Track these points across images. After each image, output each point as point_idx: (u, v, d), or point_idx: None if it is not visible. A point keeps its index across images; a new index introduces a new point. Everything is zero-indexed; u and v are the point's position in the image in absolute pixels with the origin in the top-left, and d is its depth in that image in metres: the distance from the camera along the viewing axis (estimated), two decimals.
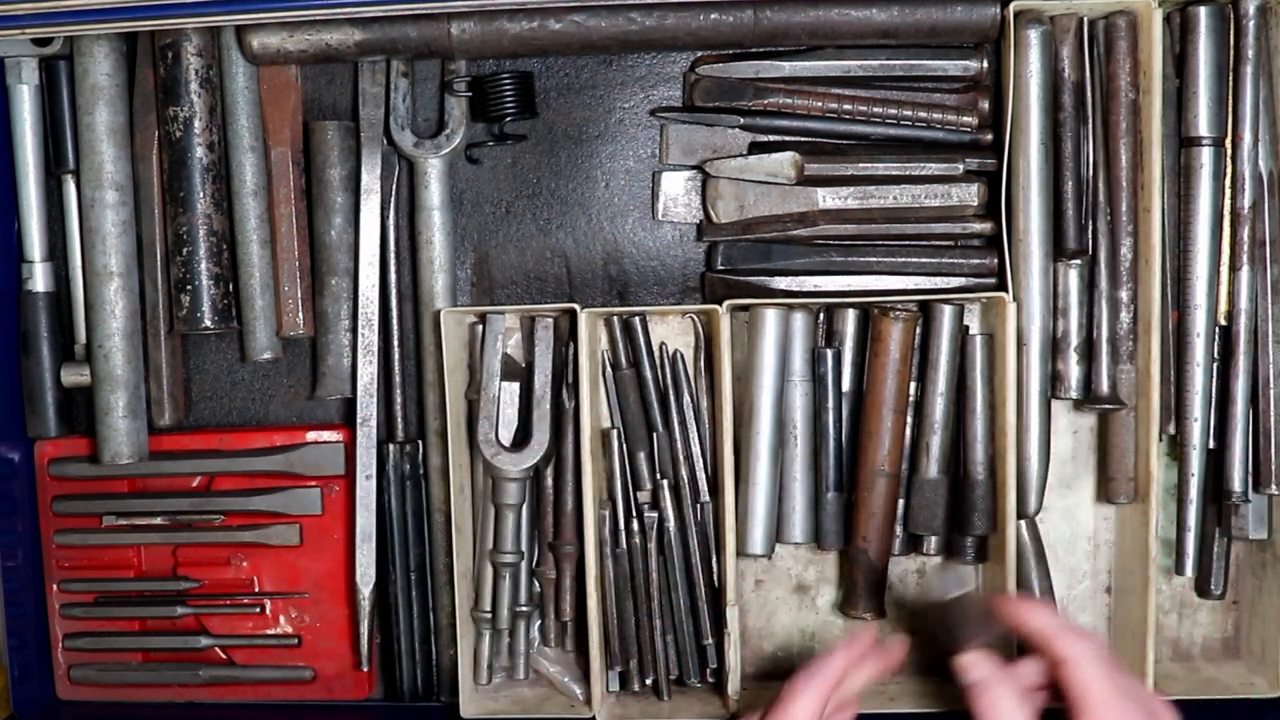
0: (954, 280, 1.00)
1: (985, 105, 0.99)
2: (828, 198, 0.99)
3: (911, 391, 0.99)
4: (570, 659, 1.06)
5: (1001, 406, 0.96)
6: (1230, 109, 0.95)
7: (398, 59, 1.02)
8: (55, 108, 1.03)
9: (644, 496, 1.01)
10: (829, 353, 0.99)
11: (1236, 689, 1.02)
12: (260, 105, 1.02)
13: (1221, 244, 0.96)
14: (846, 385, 1.01)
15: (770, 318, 0.98)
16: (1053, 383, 0.98)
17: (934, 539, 1.00)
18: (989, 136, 0.99)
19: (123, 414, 1.00)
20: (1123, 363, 0.97)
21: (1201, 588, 1.02)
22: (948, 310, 0.97)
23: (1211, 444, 0.98)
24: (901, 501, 1.00)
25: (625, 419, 1.01)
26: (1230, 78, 0.95)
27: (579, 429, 0.97)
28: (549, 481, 1.02)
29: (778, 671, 1.06)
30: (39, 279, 1.05)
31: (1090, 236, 0.97)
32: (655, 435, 1.01)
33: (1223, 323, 0.97)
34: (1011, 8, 0.94)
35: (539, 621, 1.05)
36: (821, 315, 1.01)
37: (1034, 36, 0.94)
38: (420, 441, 1.06)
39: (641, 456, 1.01)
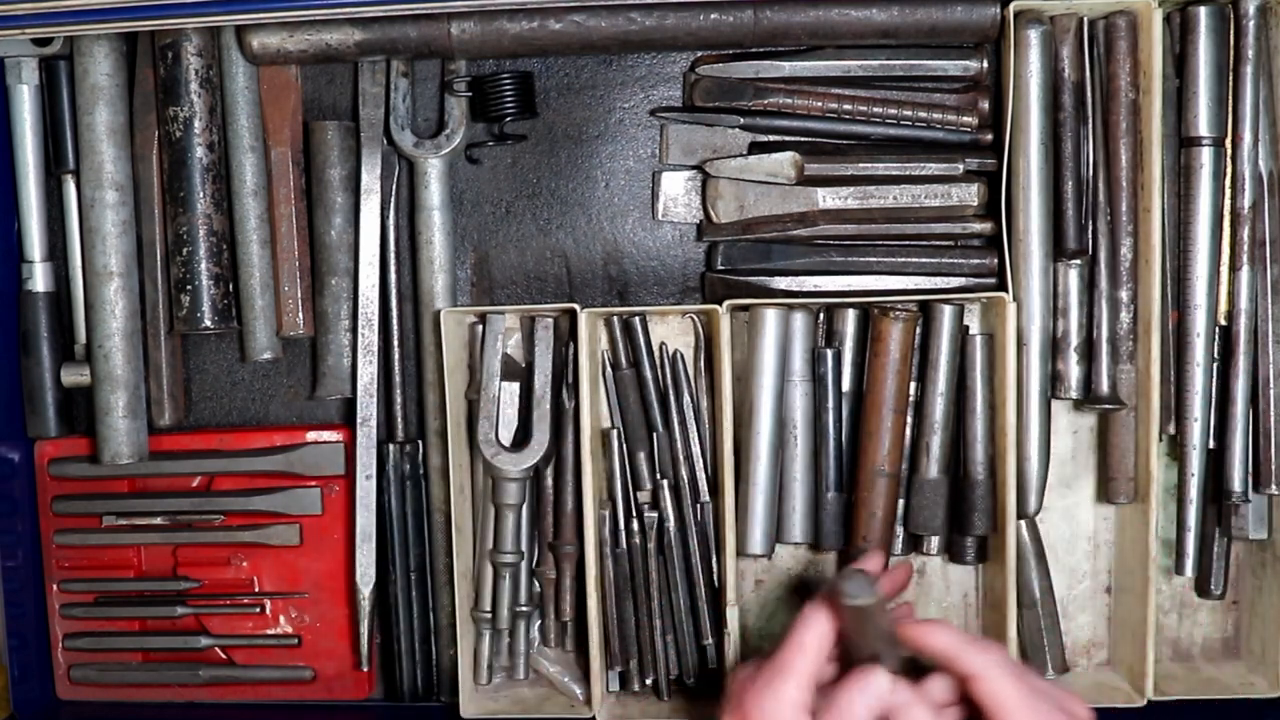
0: (954, 280, 1.00)
1: (985, 105, 0.99)
2: (828, 198, 0.99)
3: (911, 391, 0.99)
4: (570, 659, 1.06)
5: (1001, 406, 0.95)
6: (1230, 109, 0.95)
7: (398, 59, 1.01)
8: (55, 108, 1.03)
9: (644, 496, 1.01)
10: (829, 353, 0.99)
11: (1236, 689, 1.02)
12: (260, 105, 1.02)
13: (1221, 244, 0.96)
14: (846, 385, 1.01)
15: (770, 318, 0.98)
16: (1053, 383, 0.98)
17: (934, 539, 1.00)
18: (989, 136, 0.99)
19: (123, 414, 1.00)
20: (1123, 363, 0.97)
21: (1201, 588, 1.02)
22: (948, 310, 0.97)
23: (1211, 444, 0.97)
24: (901, 501, 1.00)
25: (625, 419, 1.01)
26: (1230, 78, 0.95)
27: (579, 429, 0.97)
28: (549, 481, 1.02)
29: None
30: (39, 279, 1.05)
31: (1090, 236, 0.97)
32: (655, 435, 1.01)
33: (1223, 323, 0.97)
34: (1011, 8, 0.94)
35: (539, 621, 1.05)
36: (821, 315, 1.01)
37: (1034, 36, 0.94)
38: (420, 441, 1.06)
39: (641, 456, 1.01)
